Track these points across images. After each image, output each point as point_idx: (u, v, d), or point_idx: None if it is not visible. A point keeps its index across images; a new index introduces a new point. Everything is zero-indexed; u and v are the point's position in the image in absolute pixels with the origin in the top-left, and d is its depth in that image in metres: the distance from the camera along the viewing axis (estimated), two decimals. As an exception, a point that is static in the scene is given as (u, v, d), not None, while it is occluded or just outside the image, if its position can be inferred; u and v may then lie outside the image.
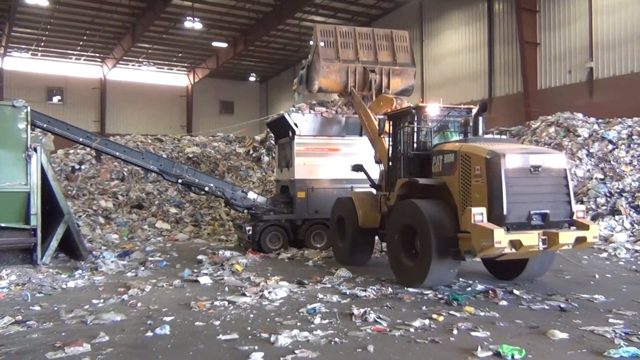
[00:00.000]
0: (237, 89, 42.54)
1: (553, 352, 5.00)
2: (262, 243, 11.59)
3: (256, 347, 5.11)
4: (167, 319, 6.22)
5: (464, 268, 8.04)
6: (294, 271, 9.33)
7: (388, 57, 12.72)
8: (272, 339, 5.31)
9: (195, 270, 9.32)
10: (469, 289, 7.71)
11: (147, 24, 28.10)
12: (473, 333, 5.54)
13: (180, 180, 11.92)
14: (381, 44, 12.77)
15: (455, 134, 8.77)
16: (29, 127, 9.59)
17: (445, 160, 7.76)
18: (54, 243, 9.87)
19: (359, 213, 9.62)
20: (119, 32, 31.00)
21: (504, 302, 6.88)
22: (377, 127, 9.68)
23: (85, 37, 32.02)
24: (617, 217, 12.09)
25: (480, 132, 8.23)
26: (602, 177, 13.54)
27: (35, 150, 9.53)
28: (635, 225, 11.83)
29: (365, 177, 10.30)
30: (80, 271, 9.26)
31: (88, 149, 19.32)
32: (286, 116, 12.31)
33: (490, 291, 7.32)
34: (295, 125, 12.10)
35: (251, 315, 6.35)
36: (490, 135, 9.39)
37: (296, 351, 4.98)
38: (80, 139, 11.25)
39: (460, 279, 8.09)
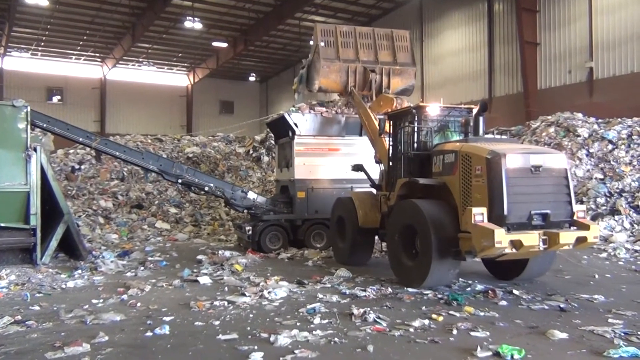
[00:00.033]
0: (237, 89, 42.55)
1: (553, 352, 5.00)
2: (262, 243, 11.59)
3: (256, 347, 5.11)
4: (167, 318, 6.22)
5: (464, 268, 8.04)
6: (294, 271, 9.32)
7: (388, 56, 12.70)
8: (272, 339, 5.31)
9: (195, 270, 9.31)
10: (469, 289, 7.71)
11: (147, 23, 28.11)
12: (473, 333, 5.54)
13: (180, 180, 11.92)
14: (381, 44, 12.75)
15: (456, 133, 8.76)
16: (28, 126, 9.59)
17: (446, 160, 7.75)
18: (54, 243, 9.86)
19: (359, 213, 9.61)
20: (119, 32, 31.01)
21: (503, 302, 6.88)
22: (378, 127, 9.67)
23: (85, 37, 32.03)
24: (616, 217, 12.10)
25: (481, 132, 8.22)
26: (601, 177, 13.55)
27: (35, 150, 9.53)
28: (635, 225, 11.84)
29: (365, 177, 10.29)
30: (79, 271, 9.26)
31: (88, 149, 19.32)
32: (286, 116, 12.31)
33: (489, 291, 7.32)
34: (295, 125, 12.10)
35: (251, 315, 6.35)
36: (490, 135, 9.39)
37: (296, 351, 4.98)
38: (80, 139, 11.25)
39: (460, 279, 8.08)
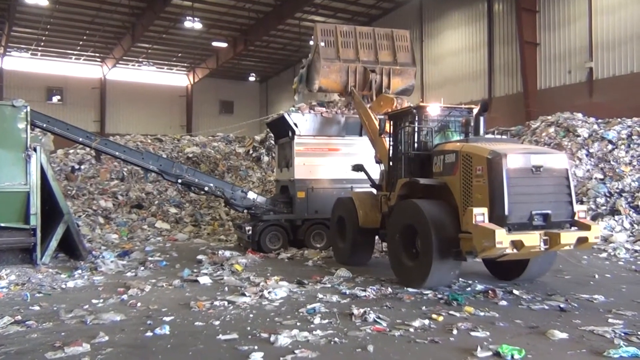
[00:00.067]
0: (237, 89, 42.55)
1: (553, 352, 5.00)
2: (262, 243, 11.59)
3: (256, 347, 5.11)
4: (167, 319, 6.22)
5: (464, 268, 8.03)
6: (294, 271, 9.32)
7: (389, 56, 12.69)
8: (272, 338, 5.30)
9: (195, 270, 9.31)
10: (469, 289, 7.71)
11: (147, 23, 28.10)
12: (473, 333, 5.54)
13: (180, 180, 11.91)
14: (382, 44, 12.74)
15: (456, 134, 8.75)
16: (28, 126, 9.58)
17: (447, 160, 7.74)
18: (54, 243, 9.86)
19: (359, 213, 9.61)
20: (119, 32, 31.00)
21: (503, 302, 6.88)
22: (378, 127, 9.66)
23: (85, 37, 32.02)
24: (616, 217, 12.10)
25: (482, 132, 8.22)
26: (601, 177, 13.55)
27: (34, 150, 9.52)
28: (635, 225, 11.84)
29: (364, 177, 10.29)
30: (79, 271, 9.26)
31: (88, 149, 19.31)
32: (286, 116, 12.30)
33: (489, 291, 7.32)
34: (295, 125, 12.10)
35: (251, 315, 6.35)
36: (491, 135, 9.38)
37: (296, 351, 4.98)
38: (80, 139, 11.25)
39: (460, 279, 8.08)
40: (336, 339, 5.34)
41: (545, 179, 7.10)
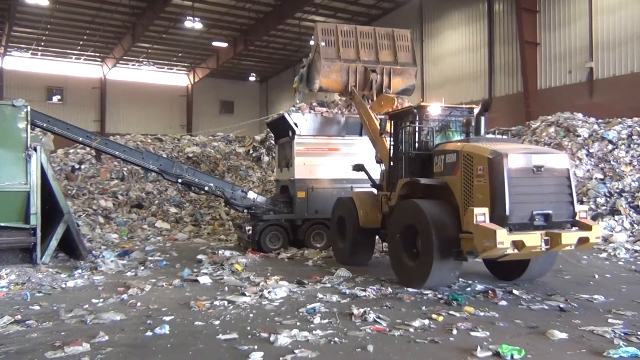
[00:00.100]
0: (237, 88, 42.55)
1: (552, 352, 5.00)
2: (262, 243, 11.59)
3: (256, 347, 5.11)
4: (167, 318, 6.22)
5: (464, 268, 8.02)
6: (294, 271, 9.32)
7: (389, 56, 12.66)
8: (272, 338, 5.31)
9: (195, 270, 9.31)
10: (469, 289, 7.71)
11: (147, 23, 28.10)
12: (472, 333, 5.54)
13: (180, 180, 11.91)
14: (382, 43, 12.70)
15: (457, 133, 8.74)
16: (28, 126, 9.59)
17: (447, 160, 7.73)
18: (54, 242, 9.86)
19: (359, 213, 9.60)
20: (119, 31, 31.00)
21: (503, 302, 6.88)
22: (378, 127, 9.65)
23: (85, 37, 32.02)
24: (616, 217, 12.10)
25: (483, 131, 8.21)
26: (601, 177, 13.54)
27: (35, 149, 9.53)
28: (635, 225, 11.84)
29: (364, 177, 10.29)
30: (79, 271, 9.25)
31: (88, 149, 19.29)
32: (286, 116, 12.30)
33: (489, 291, 7.32)
34: (295, 125, 12.10)
35: (251, 315, 6.35)
36: (492, 135, 9.38)
37: (296, 351, 4.98)
38: (80, 139, 11.25)
39: (460, 279, 8.08)
40: (336, 339, 5.34)
41: (547, 179, 7.09)
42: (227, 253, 10.80)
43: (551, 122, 16.48)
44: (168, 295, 7.57)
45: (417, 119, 8.51)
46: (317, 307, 6.54)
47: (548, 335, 5.42)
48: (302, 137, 12.10)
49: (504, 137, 9.30)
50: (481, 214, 6.76)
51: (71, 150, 20.97)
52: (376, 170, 10.30)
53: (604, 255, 10.42)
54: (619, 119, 15.21)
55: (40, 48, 34.08)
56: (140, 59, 36.94)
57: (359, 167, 10.37)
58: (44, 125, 10.59)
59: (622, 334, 5.42)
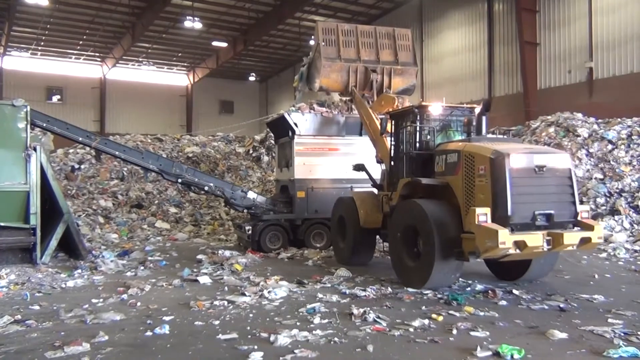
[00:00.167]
0: (237, 88, 42.54)
1: (552, 352, 5.00)
2: (262, 243, 11.59)
3: (255, 347, 5.10)
4: (167, 318, 6.22)
5: (464, 268, 8.01)
6: (294, 271, 9.32)
7: (390, 56, 12.60)
8: (272, 338, 5.30)
9: (195, 270, 9.31)
10: (469, 288, 7.70)
11: (147, 23, 28.10)
12: (472, 333, 5.54)
13: (180, 180, 11.90)
14: (383, 43, 12.62)
15: (458, 133, 8.71)
16: (28, 126, 9.59)
17: (449, 160, 7.72)
18: (54, 242, 9.86)
19: (360, 213, 9.59)
20: (119, 31, 31.00)
21: (503, 302, 6.87)
22: (379, 127, 9.63)
23: (85, 37, 32.01)
24: (616, 217, 12.10)
25: (484, 131, 8.20)
26: (601, 177, 13.55)
27: (34, 149, 9.53)
28: (635, 225, 11.85)
29: (364, 176, 10.27)
30: (79, 270, 9.25)
31: (88, 149, 19.27)
32: (286, 116, 12.30)
33: (489, 291, 7.32)
34: (295, 125, 12.09)
35: (251, 315, 6.35)
36: (493, 135, 9.36)
37: (295, 351, 4.98)
38: (80, 139, 11.25)
39: (460, 279, 8.07)
40: (336, 339, 5.34)
41: (548, 179, 7.07)
42: (227, 253, 10.80)
43: (551, 122, 16.48)
44: (168, 295, 7.57)
45: (418, 118, 8.49)
46: (317, 307, 6.54)
47: (548, 335, 5.42)
48: (302, 137, 12.10)
49: (505, 137, 9.28)
50: (483, 214, 6.74)
51: (71, 150, 20.95)
52: (376, 170, 10.29)
53: (604, 255, 10.42)
54: (619, 119, 15.21)
55: (40, 48, 34.07)
56: (140, 59, 36.93)
57: (359, 167, 10.36)
58: (44, 125, 10.59)
59: (622, 334, 5.42)
